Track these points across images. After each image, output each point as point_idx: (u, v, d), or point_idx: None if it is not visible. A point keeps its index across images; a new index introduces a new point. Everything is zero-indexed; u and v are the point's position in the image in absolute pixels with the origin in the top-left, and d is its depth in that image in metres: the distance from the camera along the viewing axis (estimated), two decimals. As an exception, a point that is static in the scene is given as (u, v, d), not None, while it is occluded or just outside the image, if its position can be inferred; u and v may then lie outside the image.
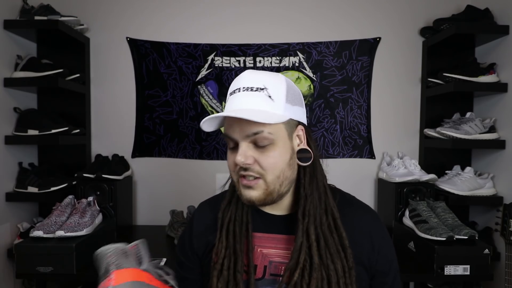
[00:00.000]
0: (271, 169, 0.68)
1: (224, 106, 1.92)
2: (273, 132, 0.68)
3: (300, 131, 0.74)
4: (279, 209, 0.76)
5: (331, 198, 0.74)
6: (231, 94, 0.72)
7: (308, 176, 0.73)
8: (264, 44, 1.92)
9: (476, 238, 1.35)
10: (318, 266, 0.67)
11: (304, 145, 0.74)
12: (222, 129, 0.75)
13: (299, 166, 0.74)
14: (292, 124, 0.72)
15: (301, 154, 0.73)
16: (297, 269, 0.67)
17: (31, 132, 1.64)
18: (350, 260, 0.69)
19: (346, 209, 0.75)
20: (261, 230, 0.75)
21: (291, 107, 0.71)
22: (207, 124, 0.71)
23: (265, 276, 0.71)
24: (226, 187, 0.83)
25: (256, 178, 0.68)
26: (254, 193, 0.69)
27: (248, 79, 0.70)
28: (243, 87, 0.69)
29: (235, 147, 0.70)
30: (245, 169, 0.68)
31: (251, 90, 0.69)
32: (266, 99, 0.68)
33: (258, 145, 0.68)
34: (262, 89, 0.69)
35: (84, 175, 1.66)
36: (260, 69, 1.91)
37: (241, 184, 0.70)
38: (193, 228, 0.81)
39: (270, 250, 0.73)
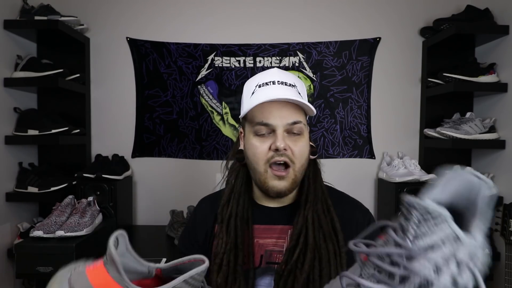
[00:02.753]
0: (300, 156, 0.74)
1: (224, 106, 1.93)
2: (305, 124, 0.76)
3: (307, 130, 0.82)
4: (280, 201, 0.81)
5: (325, 190, 0.81)
6: (261, 85, 0.76)
7: (312, 169, 0.80)
8: (264, 44, 1.92)
9: (476, 238, 1.35)
10: (312, 246, 0.72)
11: (310, 142, 0.81)
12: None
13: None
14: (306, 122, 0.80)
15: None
16: (296, 250, 0.72)
17: (31, 132, 1.64)
18: (341, 243, 0.73)
19: (336, 200, 0.81)
20: (259, 223, 0.80)
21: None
22: (247, 105, 0.77)
23: (262, 264, 0.76)
24: (223, 186, 0.88)
25: (286, 167, 0.73)
26: (283, 184, 0.74)
27: (279, 75, 0.77)
28: (278, 81, 0.75)
29: (267, 135, 0.74)
30: (281, 154, 0.72)
31: (285, 84, 0.75)
32: (298, 95, 0.75)
33: (291, 135, 0.74)
34: (294, 86, 0.76)
35: (84, 175, 1.66)
36: (260, 69, 1.92)
37: (270, 175, 0.74)
38: (196, 219, 0.86)
39: (266, 240, 0.78)
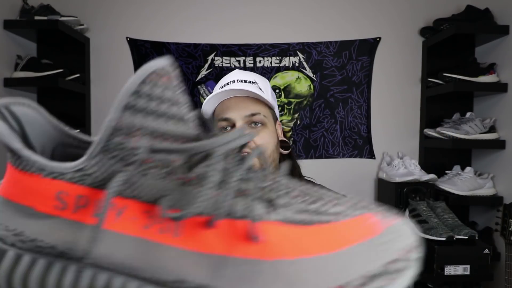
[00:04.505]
0: (264, 147, 0.77)
1: (224, 106, 1.93)
2: (266, 116, 0.79)
3: (278, 125, 0.86)
4: None
5: (303, 182, 0.84)
6: (223, 86, 0.80)
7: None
8: (264, 44, 1.91)
9: (476, 238, 1.35)
10: None
11: (282, 137, 0.86)
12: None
13: (280, 155, 0.85)
14: (275, 116, 0.84)
15: (281, 143, 0.85)
16: None
17: (31, 132, 1.64)
18: None
19: None
20: None
21: (274, 102, 0.84)
22: (209, 106, 0.81)
23: None
24: None
25: None
26: None
27: (239, 75, 0.81)
28: (237, 79, 0.80)
29: (231, 129, 0.78)
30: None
31: (245, 82, 0.79)
32: (258, 90, 0.78)
33: (252, 126, 0.77)
34: (254, 82, 0.80)
35: (84, 175, 1.66)
36: (260, 69, 1.92)
37: None
38: None
39: None
